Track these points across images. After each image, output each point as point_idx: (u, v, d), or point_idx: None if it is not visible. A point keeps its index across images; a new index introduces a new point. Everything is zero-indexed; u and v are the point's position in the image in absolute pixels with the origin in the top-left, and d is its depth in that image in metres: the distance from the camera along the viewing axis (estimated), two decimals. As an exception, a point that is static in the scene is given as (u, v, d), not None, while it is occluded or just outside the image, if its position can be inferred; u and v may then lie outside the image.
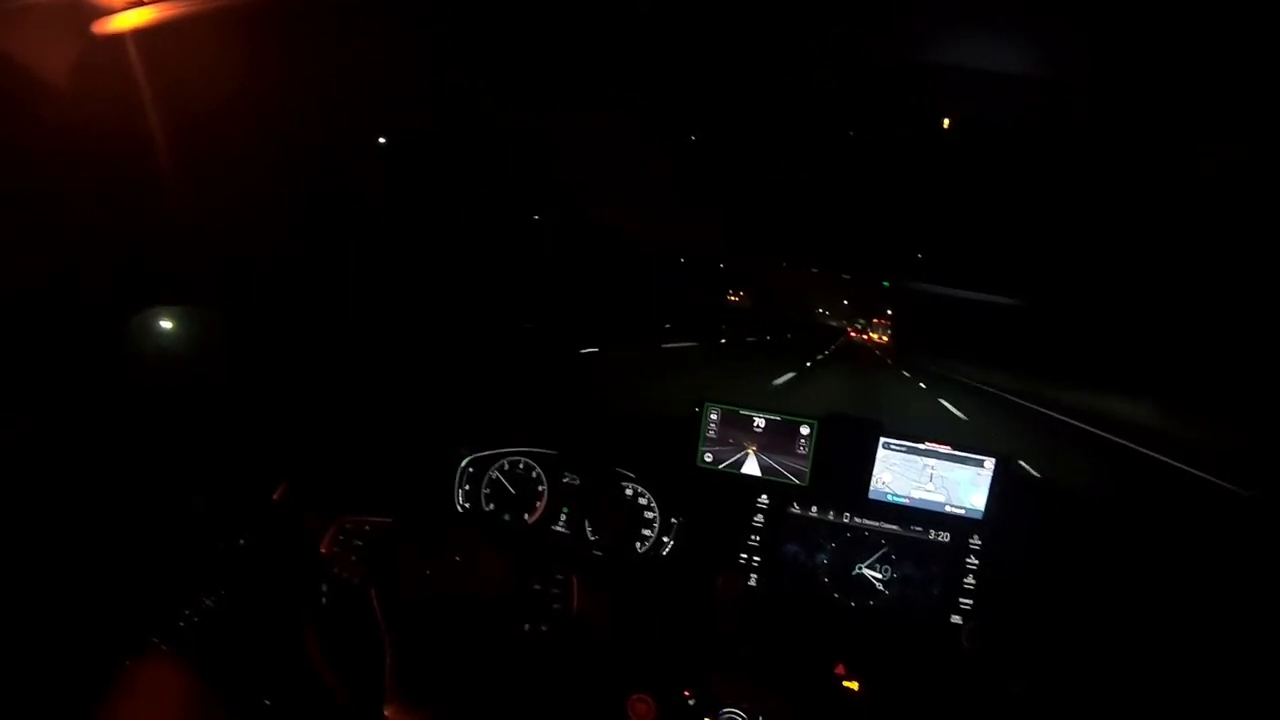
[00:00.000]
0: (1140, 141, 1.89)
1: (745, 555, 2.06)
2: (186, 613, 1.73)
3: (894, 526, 2.02)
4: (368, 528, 1.99)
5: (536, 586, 1.87)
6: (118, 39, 1.43)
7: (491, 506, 2.19)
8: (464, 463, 2.20)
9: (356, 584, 1.92)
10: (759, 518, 2.06)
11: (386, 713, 1.65)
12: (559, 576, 1.87)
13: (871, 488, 2.03)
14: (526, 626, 1.85)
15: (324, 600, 1.95)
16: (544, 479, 2.18)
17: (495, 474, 2.20)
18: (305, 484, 2.06)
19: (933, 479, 2.00)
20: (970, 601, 1.96)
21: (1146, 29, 1.20)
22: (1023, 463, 2.05)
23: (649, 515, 2.13)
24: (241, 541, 1.92)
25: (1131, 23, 1.19)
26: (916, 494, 2.01)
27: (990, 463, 1.98)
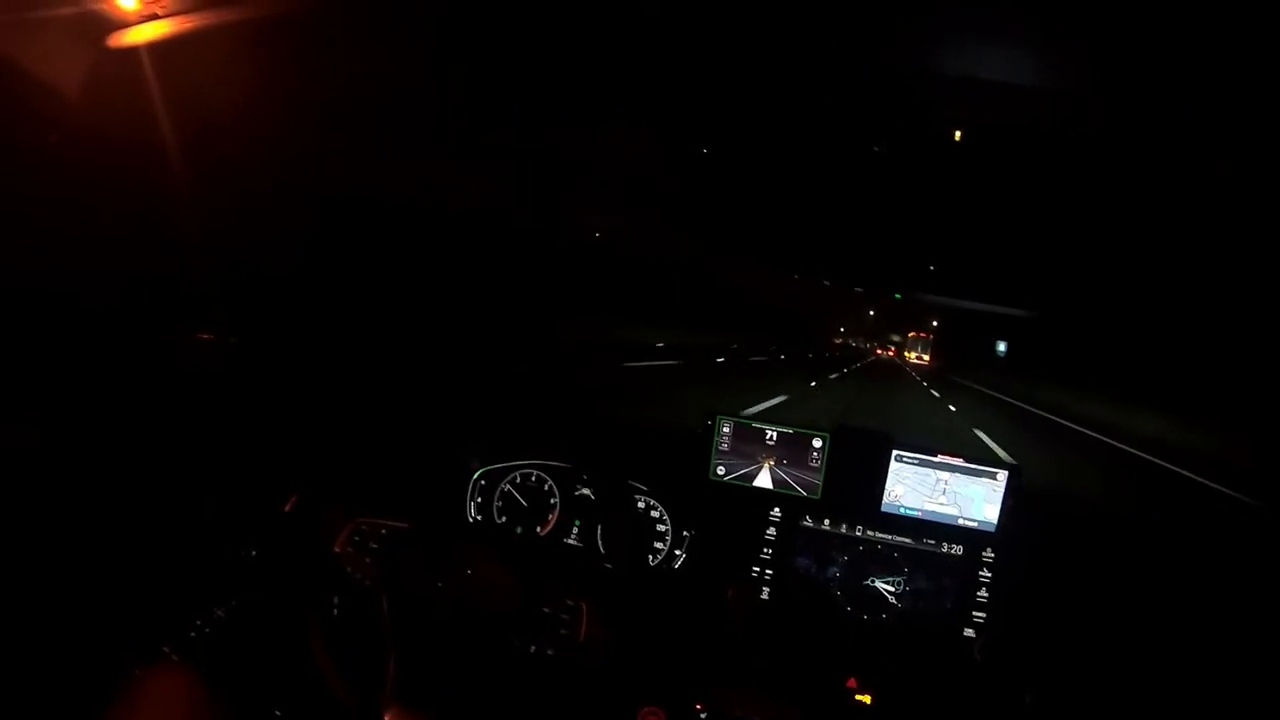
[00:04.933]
0: (1151, 151, 1.88)
1: (757, 568, 2.05)
2: (198, 622, 1.74)
3: (906, 539, 2.00)
4: (384, 531, 1.99)
5: (546, 610, 1.86)
6: (132, 52, 1.44)
7: (504, 519, 2.19)
8: (476, 475, 2.20)
9: (367, 586, 1.92)
10: (771, 531, 2.05)
11: (386, 717, 1.65)
12: (569, 602, 1.86)
13: (884, 501, 2.02)
14: (533, 648, 1.84)
15: (335, 611, 1.95)
16: (556, 492, 2.17)
17: (507, 486, 2.19)
18: (321, 483, 2.06)
19: (945, 492, 1.99)
20: (983, 615, 1.95)
21: (1156, 40, 1.20)
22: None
23: (661, 528, 2.12)
24: (253, 551, 1.92)
25: (1141, 34, 1.19)
26: (929, 507, 2.00)
27: (1003, 475, 1.96)
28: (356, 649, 1.83)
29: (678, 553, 2.11)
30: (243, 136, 1.76)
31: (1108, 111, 1.55)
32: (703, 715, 1.81)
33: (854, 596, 2.01)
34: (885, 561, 2.01)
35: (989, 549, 1.97)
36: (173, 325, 1.83)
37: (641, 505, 2.14)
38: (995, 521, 1.97)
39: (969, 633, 1.95)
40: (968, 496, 1.98)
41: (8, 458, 1.47)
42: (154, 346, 1.77)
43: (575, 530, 2.17)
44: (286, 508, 2.02)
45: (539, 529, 2.18)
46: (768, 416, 2.12)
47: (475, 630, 1.78)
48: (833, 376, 19.00)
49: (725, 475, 2.11)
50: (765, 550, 2.06)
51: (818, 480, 2.06)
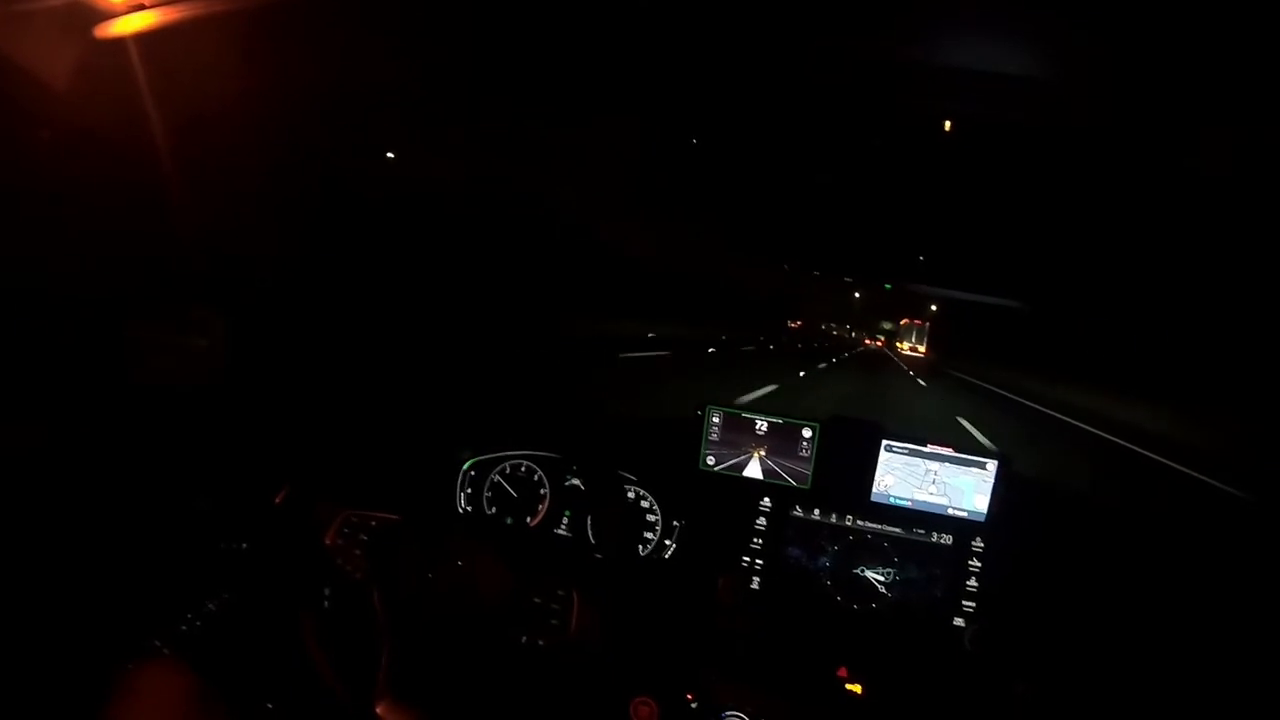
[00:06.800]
0: (1141, 143, 1.89)
1: (748, 558, 2.06)
2: (189, 616, 1.73)
3: (896, 529, 2.01)
4: (373, 523, 1.99)
5: (536, 600, 1.86)
6: (119, 43, 1.43)
7: (494, 510, 2.19)
8: (466, 465, 2.20)
9: (358, 579, 1.93)
10: (761, 521, 2.06)
11: (378, 709, 1.65)
12: (560, 592, 1.87)
13: (874, 490, 2.02)
14: (524, 639, 1.85)
15: (326, 603, 1.95)
16: (546, 482, 2.18)
17: (497, 477, 2.20)
18: (312, 475, 2.06)
19: (935, 482, 2.00)
20: (973, 604, 1.96)
21: (1148, 30, 1.20)
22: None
23: (651, 518, 2.13)
24: (244, 544, 1.92)
25: (1132, 24, 1.19)
26: (919, 497, 2.01)
27: (992, 465, 1.97)
28: (348, 641, 1.84)
29: (668, 543, 2.11)
30: (231, 129, 1.75)
31: (1100, 104, 1.55)
32: (693, 705, 1.82)
33: (844, 586, 2.02)
34: (875, 551, 2.02)
35: (978, 539, 1.98)
36: (163, 320, 1.83)
37: (631, 495, 2.14)
38: (985, 511, 1.98)
39: (959, 622, 1.96)
40: (957, 487, 1.99)
41: None
42: (143, 342, 1.77)
43: (565, 521, 2.17)
44: (277, 500, 2.02)
45: (529, 520, 2.18)
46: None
47: (466, 621, 1.78)
48: (763, 392, 12.30)
49: (715, 465, 2.12)
50: (755, 540, 2.06)
51: (807, 470, 2.07)
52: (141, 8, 1.40)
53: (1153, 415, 12.70)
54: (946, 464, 1.99)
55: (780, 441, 2.08)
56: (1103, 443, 12.21)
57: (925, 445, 2.01)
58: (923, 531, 2.00)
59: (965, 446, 2.00)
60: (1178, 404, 12.20)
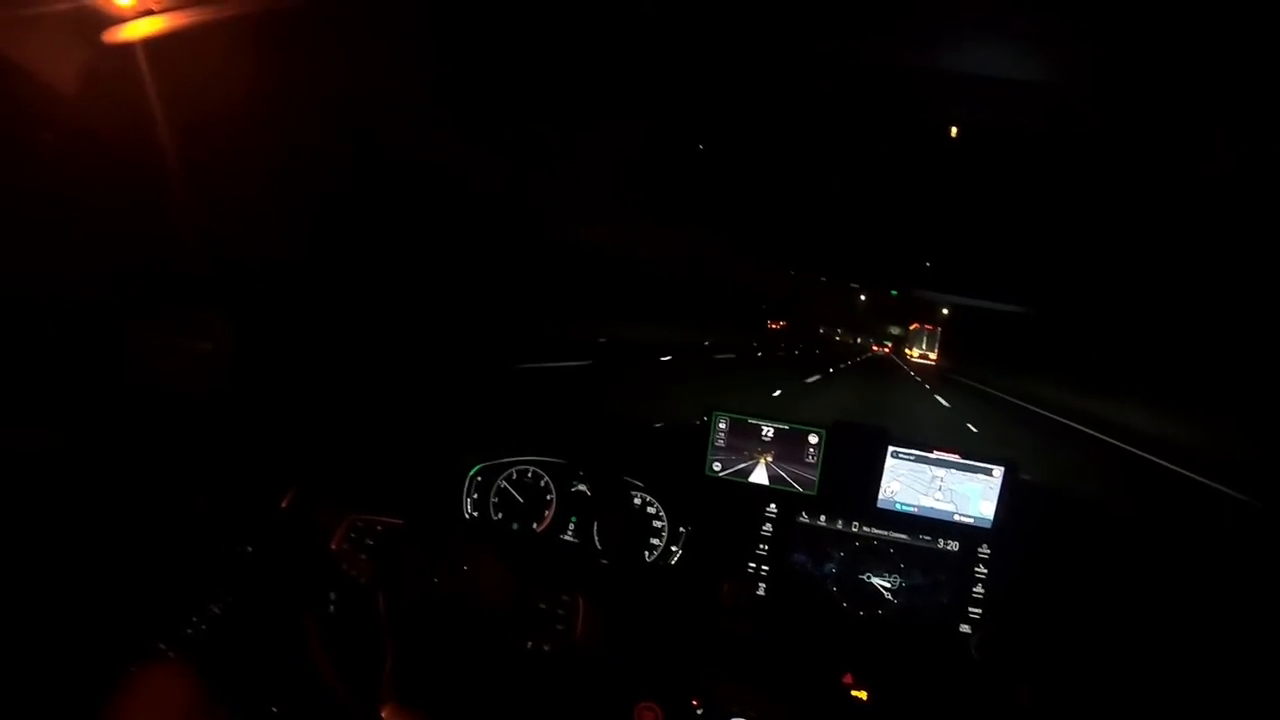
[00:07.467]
0: (1147, 147, 1.88)
1: (754, 564, 2.05)
2: (194, 619, 1.74)
3: (902, 535, 2.00)
4: (379, 528, 1.99)
5: (542, 605, 1.86)
6: (127, 48, 1.44)
7: (500, 515, 2.19)
8: (472, 471, 2.20)
9: (363, 583, 1.93)
10: (767, 527, 2.06)
11: (382, 713, 1.65)
12: (565, 597, 1.87)
13: (880, 497, 2.02)
14: (529, 644, 1.84)
15: (331, 608, 1.95)
16: (552, 488, 2.17)
17: (504, 483, 2.19)
18: (317, 481, 2.06)
19: (941, 488, 1.99)
20: (979, 610, 1.95)
21: (1153, 35, 1.20)
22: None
23: (657, 524, 2.12)
24: (249, 548, 1.92)
25: (1138, 29, 1.19)
26: (925, 503, 2.00)
27: (999, 472, 1.97)
28: (353, 645, 1.84)
29: (674, 549, 2.11)
30: (238, 134, 1.76)
31: (1105, 107, 1.55)
32: (699, 711, 1.81)
33: (850, 592, 2.01)
34: (881, 557, 2.01)
35: (985, 545, 1.97)
36: (168, 323, 1.83)
37: (638, 501, 2.14)
38: (991, 518, 1.97)
39: (965, 629, 1.95)
40: (963, 493, 1.99)
41: (3, 456, 1.47)
42: (149, 345, 1.77)
43: (572, 527, 2.16)
44: (283, 504, 2.02)
45: (535, 525, 2.18)
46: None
47: (471, 626, 1.78)
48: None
49: (721, 471, 2.11)
50: (761, 546, 2.06)
51: (814, 476, 2.06)
52: (150, 13, 1.41)
53: (1189, 423, 12.18)
54: (952, 470, 1.99)
55: (787, 447, 2.08)
56: (1133, 459, 11.85)
57: (931, 451, 2.00)
58: (929, 538, 2.00)
59: (971, 452, 1.99)
60: (1212, 409, 11.80)
